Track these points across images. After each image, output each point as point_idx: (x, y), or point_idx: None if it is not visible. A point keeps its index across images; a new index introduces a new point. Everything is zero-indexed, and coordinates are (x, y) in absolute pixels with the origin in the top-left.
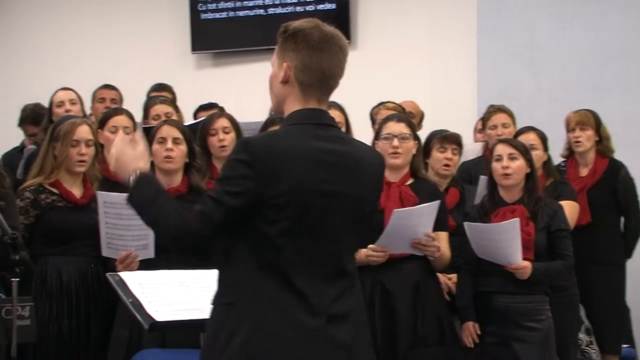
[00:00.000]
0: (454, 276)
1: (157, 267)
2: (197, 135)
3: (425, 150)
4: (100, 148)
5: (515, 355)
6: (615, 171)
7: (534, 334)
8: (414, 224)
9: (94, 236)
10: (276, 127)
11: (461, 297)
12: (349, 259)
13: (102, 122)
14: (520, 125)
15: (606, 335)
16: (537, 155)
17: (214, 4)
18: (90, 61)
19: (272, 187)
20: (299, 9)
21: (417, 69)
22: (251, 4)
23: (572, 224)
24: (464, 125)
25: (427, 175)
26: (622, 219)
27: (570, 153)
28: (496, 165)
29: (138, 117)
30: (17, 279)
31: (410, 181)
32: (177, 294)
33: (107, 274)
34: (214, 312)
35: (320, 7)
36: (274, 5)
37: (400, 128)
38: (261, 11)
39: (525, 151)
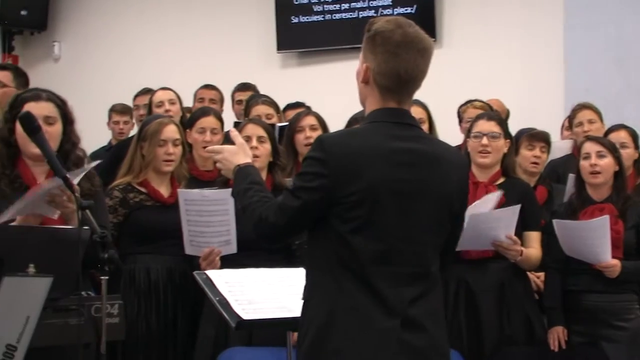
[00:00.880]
0: (541, 274)
1: (242, 265)
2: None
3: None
4: (188, 148)
5: (604, 354)
6: None
7: (623, 333)
8: (493, 226)
9: (181, 235)
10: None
11: (549, 297)
12: (432, 261)
13: (190, 123)
14: (608, 122)
15: None
16: (628, 153)
17: (298, 2)
18: (176, 61)
19: (345, 184)
20: (387, 12)
21: (504, 66)
22: (338, 7)
23: None
24: (551, 123)
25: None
26: None
27: None
28: (584, 163)
29: (225, 116)
30: (106, 277)
31: (500, 180)
32: (264, 292)
33: (195, 272)
34: (301, 309)
35: (406, 7)
36: (362, 9)
37: (490, 126)
38: (347, 14)
39: (613, 149)
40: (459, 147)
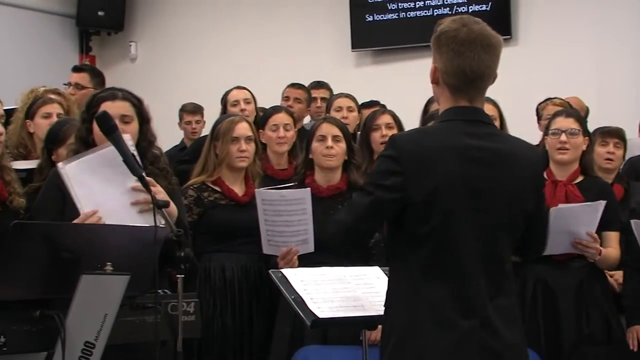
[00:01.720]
0: (615, 273)
1: (319, 264)
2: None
3: None
4: (262, 147)
5: None
6: None
7: None
8: (575, 222)
9: (256, 233)
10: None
11: (628, 296)
12: (506, 259)
13: (263, 122)
14: None
15: None
16: None
17: (372, 1)
18: (251, 61)
19: (419, 183)
20: (461, 9)
21: (579, 63)
22: (412, 4)
23: None
24: (630, 121)
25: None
26: None
27: None
28: None
29: None
30: (182, 276)
31: (579, 179)
32: (339, 291)
33: (270, 271)
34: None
35: (481, 5)
36: (437, 7)
37: (568, 123)
38: (422, 12)
39: None
40: (536, 145)
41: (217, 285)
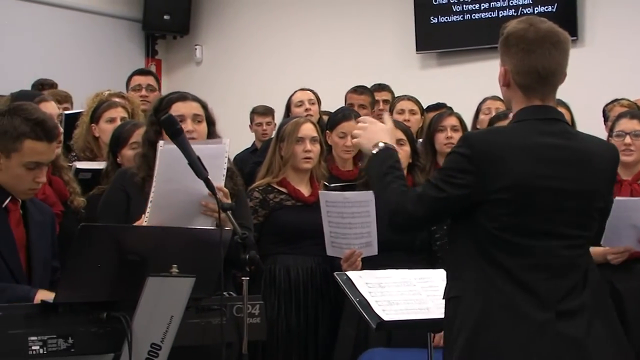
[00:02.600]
0: None
1: (383, 266)
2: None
3: None
4: (327, 148)
5: None
6: None
7: None
8: (637, 215)
9: (322, 235)
10: (502, 123)
11: None
12: (579, 254)
13: (332, 126)
14: None
15: None
16: None
17: (437, 2)
18: (315, 63)
19: (492, 182)
20: (527, 11)
21: None
22: (477, 6)
23: None
24: None
25: None
26: None
27: None
28: None
29: None
30: (247, 278)
31: None
32: (404, 293)
33: (335, 273)
34: (445, 307)
35: (546, 6)
36: (502, 8)
37: (633, 125)
38: (487, 14)
39: None
40: None
41: (281, 287)
